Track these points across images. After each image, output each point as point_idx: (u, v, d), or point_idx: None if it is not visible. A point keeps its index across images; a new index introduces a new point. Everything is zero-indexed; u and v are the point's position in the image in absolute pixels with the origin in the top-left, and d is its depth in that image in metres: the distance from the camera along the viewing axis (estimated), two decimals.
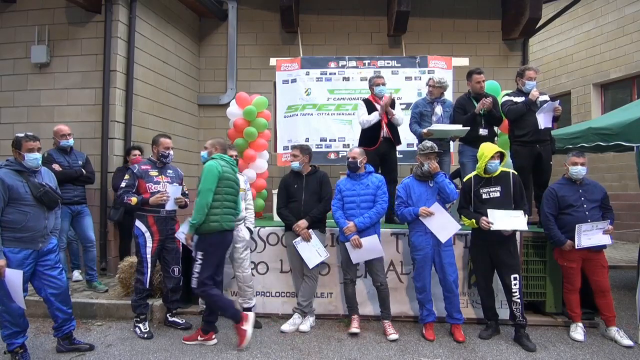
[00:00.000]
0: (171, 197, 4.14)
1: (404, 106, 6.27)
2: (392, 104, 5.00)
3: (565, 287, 4.19)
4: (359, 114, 5.15)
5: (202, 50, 7.98)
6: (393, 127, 5.07)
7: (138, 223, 4.11)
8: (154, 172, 4.18)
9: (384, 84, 5.08)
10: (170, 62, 7.01)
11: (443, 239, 4.00)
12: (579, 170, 4.04)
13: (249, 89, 7.25)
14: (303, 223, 4.23)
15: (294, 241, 4.29)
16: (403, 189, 4.14)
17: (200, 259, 3.78)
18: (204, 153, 4.02)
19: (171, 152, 4.25)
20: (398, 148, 6.37)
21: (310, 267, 4.27)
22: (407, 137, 6.05)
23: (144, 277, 4.08)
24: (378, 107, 4.99)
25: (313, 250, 4.26)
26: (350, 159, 4.22)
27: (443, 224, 4.00)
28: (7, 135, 5.90)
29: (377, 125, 5.00)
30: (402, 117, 5.13)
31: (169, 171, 4.28)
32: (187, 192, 4.45)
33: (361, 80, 6.49)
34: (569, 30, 10.29)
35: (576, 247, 3.94)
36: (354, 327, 4.16)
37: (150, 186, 4.13)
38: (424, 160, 4.05)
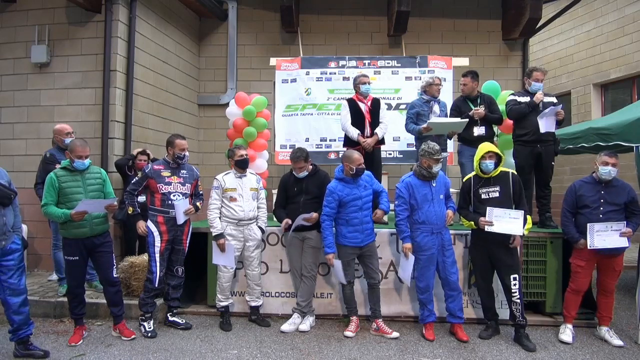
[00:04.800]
0: (178, 212, 4.14)
1: (403, 106, 6.28)
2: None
3: (570, 286, 4.11)
4: (342, 115, 5.17)
5: (202, 50, 7.98)
6: (377, 126, 5.09)
7: (149, 222, 4.16)
8: (166, 173, 4.19)
9: (369, 83, 5.12)
10: (170, 62, 7.01)
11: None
12: (609, 171, 3.88)
13: (249, 88, 7.25)
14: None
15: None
16: (405, 188, 4.07)
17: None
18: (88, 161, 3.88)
19: (187, 153, 4.24)
20: (398, 148, 6.47)
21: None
22: (407, 137, 6.06)
23: (153, 275, 4.11)
24: (362, 106, 5.05)
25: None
26: (359, 167, 4.09)
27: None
28: (7, 135, 5.92)
29: (361, 124, 5.04)
30: (387, 127, 5.18)
31: (182, 172, 4.26)
32: (202, 192, 4.47)
33: None
34: (569, 30, 10.28)
35: (589, 247, 3.85)
36: (349, 331, 4.16)
37: (161, 187, 4.15)
38: (434, 164, 3.98)
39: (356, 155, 4.16)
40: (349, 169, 4.11)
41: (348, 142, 5.14)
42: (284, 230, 4.46)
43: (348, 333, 4.14)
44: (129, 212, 4.18)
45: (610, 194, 3.94)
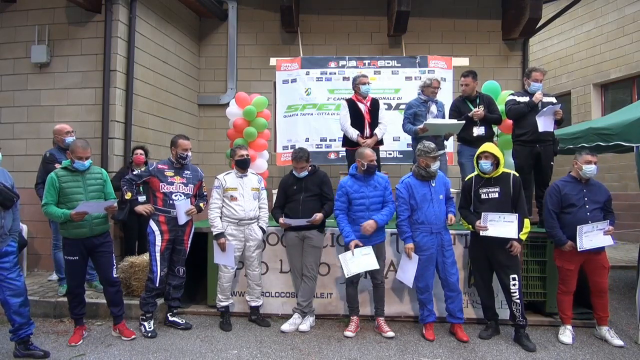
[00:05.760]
0: (179, 212, 4.15)
1: (403, 106, 6.28)
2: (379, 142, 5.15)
3: (560, 288, 4.14)
4: (342, 116, 5.16)
5: (202, 50, 7.98)
6: (376, 127, 5.11)
7: (151, 222, 4.17)
8: (169, 173, 4.20)
9: (369, 84, 5.14)
10: (170, 62, 7.01)
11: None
12: (593, 169, 3.95)
13: (249, 88, 7.25)
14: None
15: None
16: (405, 188, 4.08)
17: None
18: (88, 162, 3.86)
19: (189, 153, 4.25)
20: (398, 148, 6.48)
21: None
22: (406, 137, 6.06)
23: (153, 275, 4.11)
24: (361, 106, 5.06)
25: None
26: (370, 162, 4.10)
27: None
28: (7, 135, 5.92)
29: (360, 125, 5.04)
30: (386, 128, 5.21)
31: (186, 172, 4.27)
32: (206, 193, 4.47)
33: None
34: (569, 30, 10.29)
35: (578, 250, 3.88)
36: (349, 331, 4.16)
37: (163, 186, 4.16)
38: (431, 162, 4.00)
39: (368, 151, 4.20)
40: (361, 165, 4.14)
41: (347, 142, 5.15)
42: (283, 230, 4.48)
43: (348, 333, 4.15)
44: (127, 197, 4.13)
45: (592, 193, 4.01)
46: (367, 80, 5.14)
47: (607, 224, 3.91)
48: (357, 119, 5.06)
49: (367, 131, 5.05)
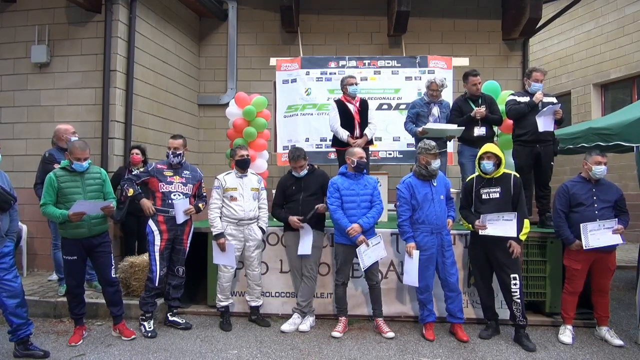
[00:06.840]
0: (178, 211, 4.15)
1: (403, 106, 6.28)
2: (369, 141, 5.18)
3: (566, 287, 4.14)
4: (331, 117, 5.16)
5: (202, 50, 7.98)
6: (366, 127, 5.12)
7: (150, 222, 4.18)
8: (168, 172, 4.23)
9: (356, 84, 5.15)
10: (170, 62, 7.01)
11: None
12: (603, 170, 3.96)
13: (249, 89, 7.25)
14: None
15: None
16: (406, 188, 4.06)
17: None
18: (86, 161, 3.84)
19: (177, 151, 4.22)
20: (398, 148, 6.47)
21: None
22: (406, 137, 6.06)
23: (153, 275, 4.12)
24: (351, 107, 5.08)
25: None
26: (360, 159, 4.16)
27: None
28: (7, 135, 5.91)
29: (350, 125, 5.05)
30: (376, 128, 5.25)
31: (185, 172, 4.29)
32: (205, 194, 4.47)
33: (361, 79, 6.48)
34: (569, 30, 10.29)
35: (584, 248, 3.86)
36: (337, 331, 4.16)
37: (162, 185, 4.18)
38: (431, 159, 4.00)
39: (357, 149, 4.29)
40: (351, 162, 4.18)
41: (336, 142, 5.16)
42: (283, 230, 4.49)
43: (335, 333, 4.13)
44: (129, 194, 4.14)
45: (602, 192, 4.00)
46: (355, 80, 5.14)
47: (615, 223, 3.88)
48: (346, 120, 5.07)
49: (357, 131, 5.06)
